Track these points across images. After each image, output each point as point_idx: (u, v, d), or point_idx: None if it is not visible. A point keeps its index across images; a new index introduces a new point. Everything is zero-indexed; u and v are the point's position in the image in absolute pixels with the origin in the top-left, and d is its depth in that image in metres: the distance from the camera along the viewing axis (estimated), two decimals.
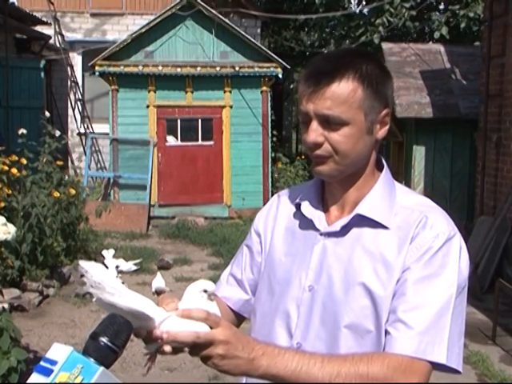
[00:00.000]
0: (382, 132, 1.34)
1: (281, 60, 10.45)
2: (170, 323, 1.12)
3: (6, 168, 6.05)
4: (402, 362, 1.20)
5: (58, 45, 12.64)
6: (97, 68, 10.25)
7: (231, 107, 10.53)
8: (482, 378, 4.54)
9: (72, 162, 12.92)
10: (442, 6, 14.73)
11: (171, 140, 10.59)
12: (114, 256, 6.63)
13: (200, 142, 10.57)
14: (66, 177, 7.62)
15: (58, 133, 7.47)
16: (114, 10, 13.68)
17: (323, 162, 1.31)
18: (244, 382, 1.43)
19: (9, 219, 4.45)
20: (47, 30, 12.38)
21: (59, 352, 1.04)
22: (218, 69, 10.37)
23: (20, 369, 3.41)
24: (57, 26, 12.69)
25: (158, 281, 6.37)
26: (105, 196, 10.61)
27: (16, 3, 12.07)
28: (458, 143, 8.87)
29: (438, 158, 8.90)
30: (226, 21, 10.50)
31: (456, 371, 1.25)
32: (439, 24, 13.19)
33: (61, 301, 6.11)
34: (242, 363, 1.15)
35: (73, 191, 7.05)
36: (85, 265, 1.11)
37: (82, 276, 1.10)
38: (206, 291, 1.18)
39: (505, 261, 6.74)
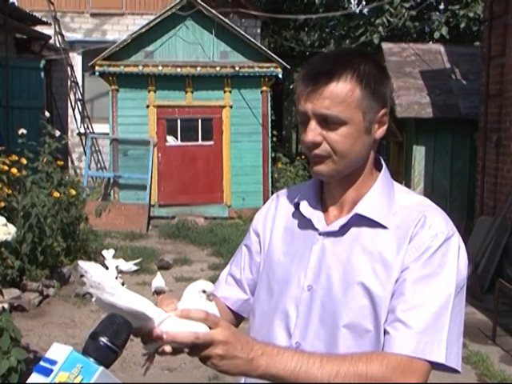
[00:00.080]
0: (380, 132, 1.34)
1: (281, 60, 10.45)
2: (169, 323, 1.12)
3: (6, 168, 6.05)
4: (400, 362, 1.20)
5: (58, 45, 12.64)
6: (97, 68, 10.25)
7: (231, 107, 10.53)
8: (482, 378, 4.54)
9: (72, 162, 12.93)
10: (441, 6, 14.73)
11: (171, 140, 10.59)
12: (114, 256, 6.66)
13: (200, 142, 10.57)
14: (66, 177, 7.62)
15: (57, 133, 7.47)
16: (114, 9, 13.68)
17: (321, 161, 1.31)
18: (243, 381, 1.43)
19: (9, 219, 4.46)
20: (47, 30, 12.38)
21: (59, 352, 1.04)
22: (218, 69, 10.37)
23: (20, 369, 3.41)
24: (57, 26, 12.69)
25: (158, 280, 6.38)
26: (105, 196, 10.61)
27: (16, 3, 12.07)
28: (457, 143, 8.87)
29: (438, 158, 8.90)
30: (226, 21, 10.50)
31: (455, 371, 1.25)
32: (439, 24, 13.20)
33: (61, 301, 6.11)
34: (241, 363, 1.15)
35: (73, 191, 7.06)
36: (84, 265, 1.11)
37: (82, 276, 1.11)
38: (204, 292, 1.18)
39: (505, 261, 6.74)
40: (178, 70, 10.32)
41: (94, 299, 1.13)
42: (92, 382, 1.00)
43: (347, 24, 14.21)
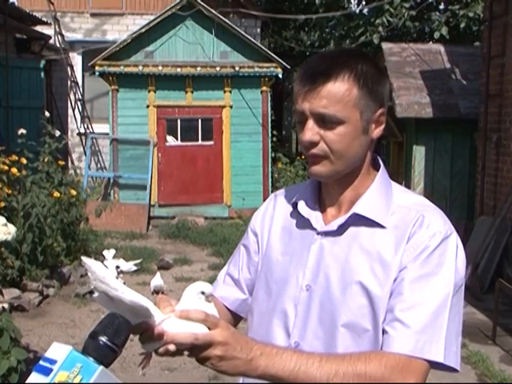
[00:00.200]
0: (377, 131, 1.35)
1: (281, 60, 10.45)
2: (168, 324, 1.12)
3: (6, 168, 6.05)
4: (399, 361, 1.20)
5: (58, 45, 12.64)
6: (97, 68, 10.25)
7: (231, 107, 10.53)
8: (482, 378, 4.54)
9: (72, 162, 12.92)
10: (441, 6, 14.73)
11: (171, 140, 10.59)
12: (114, 256, 6.65)
13: (200, 142, 10.58)
14: (67, 177, 7.63)
15: (57, 133, 7.47)
16: (114, 9, 13.68)
17: (318, 162, 1.32)
18: (241, 381, 1.44)
19: (9, 219, 4.46)
20: (47, 30, 12.38)
21: (58, 351, 1.04)
22: (218, 69, 10.37)
23: (20, 369, 3.41)
24: (57, 26, 12.69)
25: (157, 280, 6.39)
26: (105, 196, 10.61)
27: (16, 3, 12.07)
28: (458, 143, 8.87)
29: (438, 158, 8.90)
30: (226, 21, 10.50)
31: (454, 370, 1.25)
32: (439, 24, 13.19)
33: (61, 301, 6.11)
34: (240, 364, 1.15)
35: (73, 192, 7.06)
36: (87, 261, 1.11)
37: (86, 271, 1.10)
38: (203, 293, 1.18)
39: (505, 261, 6.74)
40: (178, 69, 10.32)
41: (94, 295, 1.13)
42: (92, 381, 1.00)
43: (347, 24, 14.21)
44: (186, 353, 1.14)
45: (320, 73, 1.28)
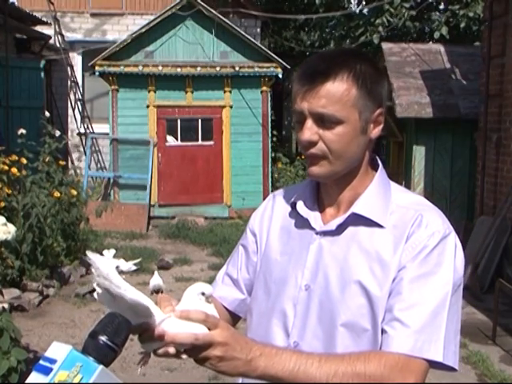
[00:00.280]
0: (375, 131, 1.35)
1: (281, 60, 10.45)
2: (168, 324, 1.12)
3: (6, 168, 6.05)
4: (398, 361, 1.20)
5: (58, 45, 12.63)
6: (97, 68, 10.25)
7: (231, 107, 10.53)
8: (482, 378, 4.54)
9: (72, 162, 12.92)
10: (441, 6, 14.73)
11: (171, 140, 10.59)
12: (114, 256, 6.66)
13: (200, 142, 10.58)
14: (67, 177, 7.63)
15: (58, 133, 7.47)
16: (114, 9, 13.68)
17: (317, 162, 1.32)
18: (240, 382, 1.44)
19: (9, 219, 4.46)
20: (47, 30, 12.38)
21: (58, 351, 1.04)
22: (218, 69, 10.37)
23: (20, 369, 3.41)
24: (57, 26, 12.69)
25: (156, 279, 6.39)
26: (105, 196, 10.61)
27: (16, 3, 12.07)
28: (458, 143, 8.87)
29: (438, 158, 8.90)
30: (226, 21, 10.50)
31: (452, 369, 1.25)
32: (439, 24, 13.19)
33: (61, 301, 6.11)
34: (239, 364, 1.15)
35: (74, 192, 7.06)
36: (92, 256, 1.11)
37: (89, 268, 1.11)
38: (203, 294, 1.19)
39: (505, 261, 6.74)
40: (178, 69, 10.32)
41: (95, 293, 1.13)
42: (91, 380, 1.00)
43: (347, 24, 14.21)
44: (184, 356, 1.14)
45: (319, 72, 1.28)
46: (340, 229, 1.34)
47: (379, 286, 1.26)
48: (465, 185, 8.86)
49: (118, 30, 13.49)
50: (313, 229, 1.37)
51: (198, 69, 10.36)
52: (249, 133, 10.61)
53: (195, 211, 10.39)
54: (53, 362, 1.02)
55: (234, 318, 1.53)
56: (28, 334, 5.01)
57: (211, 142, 10.60)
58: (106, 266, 1.10)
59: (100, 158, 13.25)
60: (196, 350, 1.13)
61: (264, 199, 1.59)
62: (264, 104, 10.65)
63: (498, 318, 5.40)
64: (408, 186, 8.67)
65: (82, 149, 13.11)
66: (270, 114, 10.90)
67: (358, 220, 1.33)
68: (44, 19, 12.06)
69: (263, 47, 11.00)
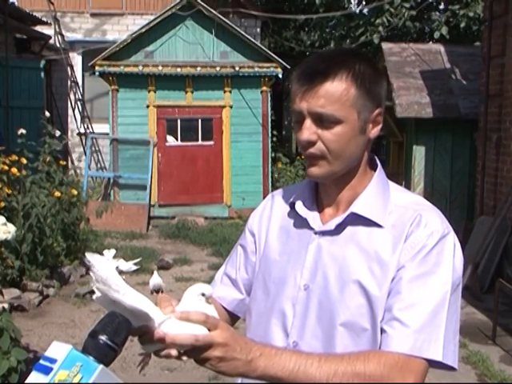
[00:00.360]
0: (374, 131, 1.35)
1: (281, 60, 10.45)
2: (168, 325, 1.12)
3: (6, 168, 6.05)
4: (398, 360, 1.21)
5: (58, 45, 12.63)
6: (97, 68, 10.25)
7: (231, 107, 10.53)
8: (482, 378, 4.54)
9: (72, 162, 12.92)
10: (441, 6, 14.73)
11: (171, 140, 10.59)
12: (115, 256, 6.66)
13: (200, 142, 10.58)
14: (67, 177, 7.63)
15: (58, 133, 7.47)
16: (114, 9, 13.68)
17: (316, 163, 1.32)
18: (240, 382, 1.44)
19: (9, 219, 4.46)
20: (47, 30, 12.37)
21: (58, 350, 1.04)
22: (218, 69, 10.37)
23: (20, 369, 3.40)
24: (57, 26, 12.69)
25: (155, 278, 6.39)
26: (105, 196, 10.61)
27: (16, 3, 12.07)
28: (458, 143, 8.87)
29: (438, 158, 8.90)
30: (226, 21, 10.50)
31: (452, 368, 1.26)
32: (439, 24, 13.19)
33: (61, 301, 6.11)
34: (239, 365, 1.15)
35: (74, 192, 7.06)
36: (91, 258, 1.11)
37: (89, 268, 1.10)
38: (204, 295, 1.19)
39: (505, 261, 6.73)
40: (178, 69, 10.32)
41: (94, 296, 1.13)
42: (92, 380, 1.00)
43: (347, 24, 14.21)
44: (184, 358, 1.14)
45: (318, 72, 1.28)
46: (339, 229, 1.34)
47: (378, 285, 1.27)
48: (465, 185, 8.85)
49: (118, 30, 13.49)
50: (312, 229, 1.37)
51: (198, 69, 10.36)
52: (249, 133, 10.61)
53: (195, 211, 10.39)
54: (53, 361, 1.02)
55: (233, 318, 1.54)
56: (28, 334, 5.01)
57: (211, 142, 10.60)
58: (105, 268, 1.10)
59: (100, 158, 13.25)
60: (196, 351, 1.13)
61: (264, 199, 1.59)
62: (264, 104, 10.65)
63: (498, 317, 5.40)
64: (408, 186, 8.67)
65: (82, 149, 13.11)
66: (270, 114, 10.90)
67: (357, 220, 1.33)
68: (44, 19, 12.05)
69: (263, 47, 11.00)
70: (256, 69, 10.44)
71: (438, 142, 8.88)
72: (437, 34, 13.00)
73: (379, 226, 1.31)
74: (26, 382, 1.03)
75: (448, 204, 8.70)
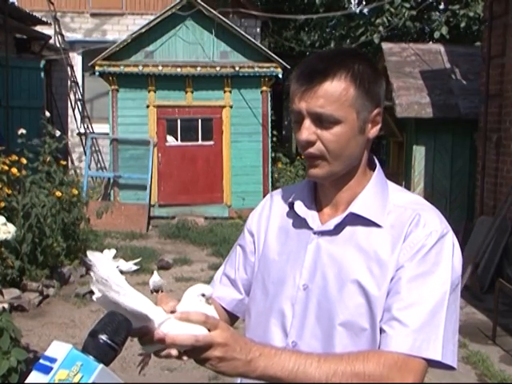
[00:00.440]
0: (373, 131, 1.35)
1: (281, 60, 10.45)
2: (168, 325, 1.12)
3: (6, 168, 6.05)
4: (397, 360, 1.21)
5: (58, 45, 12.63)
6: (97, 68, 10.25)
7: (231, 107, 10.53)
8: (482, 378, 4.54)
9: (72, 162, 12.92)
10: (442, 6, 14.73)
11: (171, 140, 10.59)
12: (115, 256, 6.66)
13: (200, 142, 10.58)
14: (67, 177, 7.63)
15: (58, 133, 7.48)
16: (114, 9, 13.68)
17: (316, 164, 1.32)
18: (239, 382, 1.44)
19: (9, 219, 4.46)
20: (47, 30, 12.37)
21: (58, 350, 1.04)
22: (218, 69, 10.37)
23: (20, 369, 3.40)
24: (57, 26, 12.69)
25: (155, 278, 6.39)
26: (105, 196, 10.62)
27: (16, 3, 12.07)
28: (458, 143, 8.87)
29: (438, 158, 8.90)
30: (226, 21, 10.50)
31: (451, 367, 1.26)
32: (439, 24, 13.19)
33: (61, 301, 6.11)
34: (239, 365, 1.15)
35: (75, 191, 7.06)
36: (93, 257, 1.10)
37: (90, 267, 1.10)
38: (204, 295, 1.19)
39: (505, 261, 6.73)
40: (178, 69, 10.32)
41: (94, 297, 1.13)
42: (91, 379, 1.00)
43: (347, 24, 14.20)
44: (184, 358, 1.14)
45: (317, 72, 1.28)
46: (338, 228, 1.34)
47: (377, 285, 1.27)
48: (465, 185, 8.85)
49: (118, 30, 13.49)
50: (311, 228, 1.37)
51: (198, 69, 10.36)
52: (249, 133, 10.61)
53: (195, 211, 10.39)
54: (53, 361, 1.02)
55: (232, 318, 1.54)
56: (28, 334, 5.01)
57: (211, 142, 10.60)
58: (106, 268, 1.10)
59: (100, 158, 13.25)
60: (196, 351, 1.13)
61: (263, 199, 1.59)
62: (264, 104, 10.65)
63: (498, 318, 5.40)
64: (408, 186, 8.67)
65: (82, 149, 13.11)
66: (270, 114, 10.90)
67: (356, 220, 1.33)
68: (44, 19, 12.05)
69: (263, 47, 11.00)
70: (256, 69, 10.44)
71: (438, 142, 8.87)
72: (437, 34, 13.00)
73: (378, 225, 1.31)
74: (26, 381, 1.03)
75: (448, 204, 8.70)
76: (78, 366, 1.01)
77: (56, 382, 1.00)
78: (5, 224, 3.66)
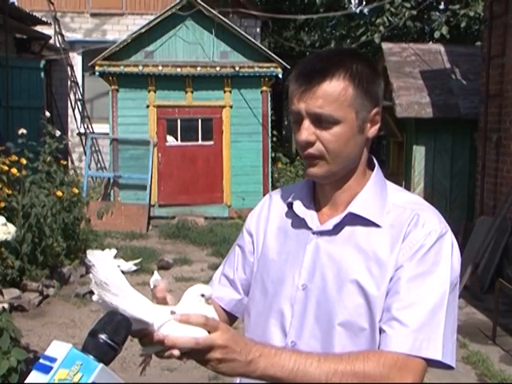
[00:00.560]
0: (372, 131, 1.35)
1: (281, 60, 10.45)
2: (168, 328, 1.12)
3: (6, 168, 6.05)
4: (397, 360, 1.21)
5: (58, 45, 12.63)
6: (97, 68, 10.25)
7: (231, 107, 10.53)
8: (482, 378, 4.54)
9: (72, 162, 12.92)
10: (442, 6, 14.73)
11: (171, 140, 10.59)
12: (115, 256, 6.66)
13: (200, 142, 10.58)
14: (67, 177, 7.63)
15: (58, 133, 7.48)
16: (114, 9, 13.68)
17: (315, 163, 1.32)
18: (238, 381, 1.44)
19: (9, 219, 4.46)
20: (47, 30, 12.37)
21: (58, 349, 1.04)
22: (218, 69, 10.37)
23: (20, 369, 3.40)
24: (57, 26, 12.69)
25: (156, 277, 6.39)
26: (105, 196, 10.62)
27: (16, 3, 12.06)
28: (458, 143, 8.87)
29: (438, 158, 8.90)
30: (226, 21, 10.50)
31: (450, 367, 1.26)
32: (439, 24, 13.19)
33: (61, 301, 6.11)
34: (239, 366, 1.16)
35: (76, 190, 7.06)
36: (92, 258, 1.10)
37: (89, 268, 1.10)
38: (203, 295, 1.19)
39: (505, 261, 6.73)
40: (178, 69, 10.32)
41: (94, 297, 1.13)
42: (91, 379, 1.00)
43: (348, 24, 14.20)
44: (185, 359, 1.14)
45: (316, 72, 1.28)
46: (337, 228, 1.34)
47: (376, 285, 1.27)
48: (465, 185, 8.85)
49: (118, 30, 13.49)
50: (310, 229, 1.37)
51: (198, 69, 10.36)
52: (249, 133, 10.61)
53: (195, 211, 10.39)
54: (53, 360, 1.02)
55: (231, 318, 1.54)
56: (28, 334, 5.01)
57: (211, 142, 10.60)
58: (105, 270, 1.10)
59: (100, 158, 13.25)
60: (197, 353, 1.13)
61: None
62: (264, 104, 10.65)
63: (498, 318, 5.40)
64: (408, 186, 8.67)
65: (82, 149, 13.11)
66: (270, 114, 10.91)
67: (355, 220, 1.33)
68: (44, 19, 12.05)
69: (263, 47, 11.00)
70: (256, 69, 10.44)
71: (438, 142, 8.87)
72: (437, 34, 12.99)
73: (377, 225, 1.31)
74: (26, 381, 1.03)
75: (448, 204, 8.70)
76: (78, 366, 1.01)
77: (56, 381, 1.00)
78: (5, 224, 3.66)
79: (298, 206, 1.41)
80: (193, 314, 1.13)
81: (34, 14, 11.78)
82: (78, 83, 13.24)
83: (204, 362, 1.14)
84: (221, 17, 10.40)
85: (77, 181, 8.10)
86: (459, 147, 8.88)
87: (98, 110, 13.50)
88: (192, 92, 10.45)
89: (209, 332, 1.13)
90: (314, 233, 1.36)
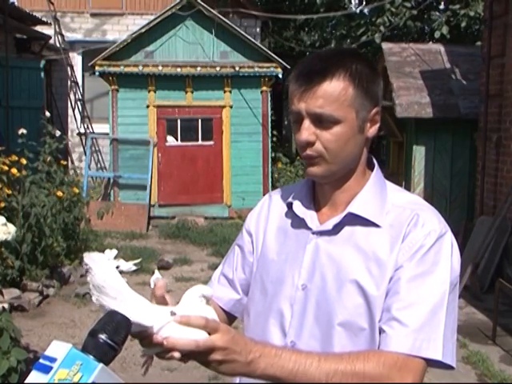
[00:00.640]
0: (372, 130, 1.35)
1: (281, 60, 10.45)
2: (168, 330, 1.12)
3: (6, 168, 6.05)
4: (397, 360, 1.21)
5: (58, 45, 12.63)
6: (97, 68, 10.25)
7: (231, 107, 10.53)
8: (482, 378, 4.54)
9: (72, 162, 12.92)
10: (442, 6, 14.73)
11: (171, 140, 10.59)
12: (115, 256, 6.65)
13: (200, 142, 10.58)
14: (67, 177, 7.63)
15: (58, 133, 7.48)
16: (114, 9, 13.68)
17: (315, 163, 1.32)
18: (238, 381, 1.44)
19: (9, 219, 4.45)
20: (47, 30, 12.37)
21: (58, 349, 1.04)
22: (218, 69, 10.37)
23: (20, 369, 3.40)
24: (57, 26, 12.69)
25: (156, 276, 6.38)
26: (105, 196, 10.61)
27: (16, 3, 12.07)
28: (458, 143, 8.86)
29: (438, 158, 8.90)
30: (226, 21, 10.50)
31: (450, 367, 1.26)
32: (440, 24, 13.19)
33: (61, 301, 6.11)
34: (239, 366, 1.16)
35: (76, 190, 7.07)
36: (89, 261, 1.10)
37: (86, 272, 1.10)
38: (203, 296, 1.19)
39: (505, 261, 6.73)
40: (178, 69, 10.32)
41: (93, 298, 1.13)
42: (91, 379, 1.00)
43: (348, 24, 14.20)
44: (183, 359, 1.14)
45: (316, 72, 1.29)
46: (336, 228, 1.34)
47: (376, 285, 1.27)
48: (465, 185, 8.85)
49: (118, 30, 13.49)
50: (309, 229, 1.37)
51: (198, 69, 10.36)
52: (249, 133, 10.61)
53: (195, 211, 10.39)
54: (53, 360, 1.02)
55: (230, 318, 1.53)
56: (28, 334, 5.01)
57: (211, 142, 10.60)
58: (103, 272, 1.09)
59: (100, 157, 13.25)
60: (197, 355, 1.13)
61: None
62: (264, 104, 10.65)
63: (498, 318, 5.40)
64: (408, 186, 8.67)
65: (82, 149, 13.11)
66: (270, 114, 10.91)
67: (355, 220, 1.33)
68: (44, 19, 12.05)
69: (263, 47, 11.00)
70: (256, 69, 10.44)
71: (438, 142, 8.87)
72: (437, 34, 12.99)
73: (377, 225, 1.31)
74: (26, 381, 1.03)
75: (448, 204, 8.70)
76: (78, 366, 1.01)
77: (56, 381, 1.00)
78: (5, 224, 3.66)
79: (298, 206, 1.41)
80: (193, 316, 1.13)
81: (34, 13, 11.78)
82: (77, 83, 13.24)
83: (204, 363, 1.15)
84: (221, 17, 10.40)
85: (77, 181, 8.09)
86: (459, 147, 8.87)
87: (97, 110, 13.51)
88: (192, 92, 10.45)
89: (209, 333, 1.13)
90: (313, 233, 1.36)
